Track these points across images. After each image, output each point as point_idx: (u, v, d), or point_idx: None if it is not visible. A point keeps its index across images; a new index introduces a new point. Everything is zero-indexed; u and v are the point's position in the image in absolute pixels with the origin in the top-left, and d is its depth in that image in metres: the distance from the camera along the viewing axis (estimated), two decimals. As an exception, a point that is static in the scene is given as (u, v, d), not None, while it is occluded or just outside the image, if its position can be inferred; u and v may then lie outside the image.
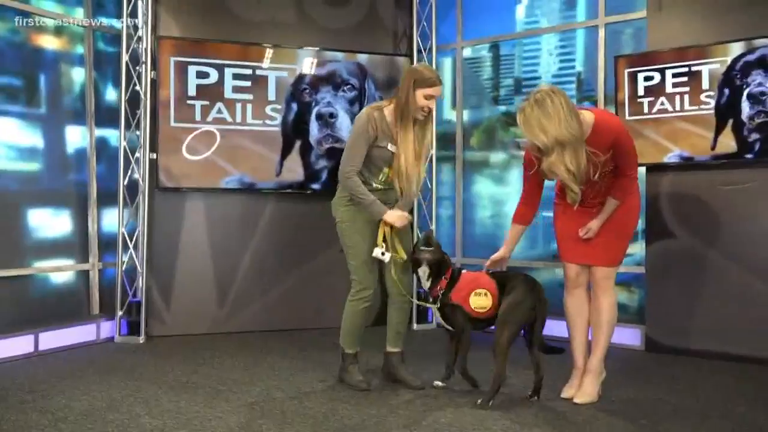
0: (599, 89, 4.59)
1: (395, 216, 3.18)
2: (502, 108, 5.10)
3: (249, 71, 4.65)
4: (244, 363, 3.86)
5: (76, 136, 4.54)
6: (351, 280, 3.31)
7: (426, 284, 3.23)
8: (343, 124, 4.75)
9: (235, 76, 4.60)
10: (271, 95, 4.69)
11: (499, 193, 5.09)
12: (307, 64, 4.73)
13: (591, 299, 3.20)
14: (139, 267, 4.46)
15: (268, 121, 4.68)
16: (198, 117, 4.53)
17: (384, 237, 3.22)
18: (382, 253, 3.19)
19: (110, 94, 4.75)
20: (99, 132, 4.63)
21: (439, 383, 3.35)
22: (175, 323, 4.57)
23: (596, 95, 4.63)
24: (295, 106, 4.72)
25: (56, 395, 3.16)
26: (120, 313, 4.40)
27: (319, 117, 4.71)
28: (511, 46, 5.07)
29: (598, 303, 3.15)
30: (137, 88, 4.46)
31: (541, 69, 4.95)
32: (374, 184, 3.26)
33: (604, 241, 3.09)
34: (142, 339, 4.39)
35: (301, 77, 4.72)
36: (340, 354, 3.40)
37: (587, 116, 2.92)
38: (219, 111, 4.57)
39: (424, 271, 3.21)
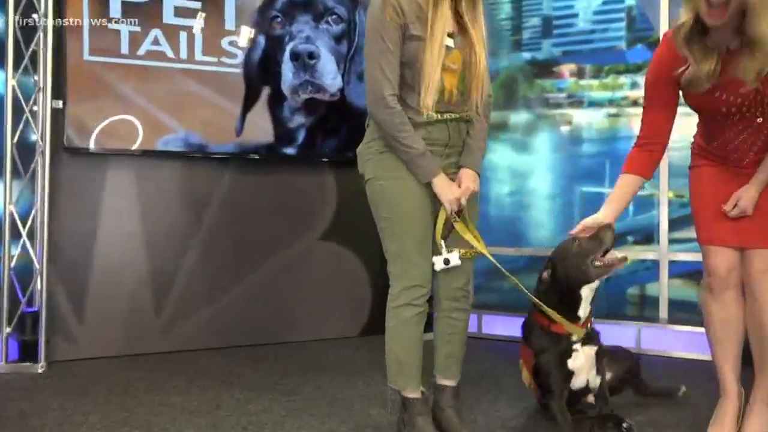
0: (661, 27, 3.66)
1: (450, 193, 2.02)
2: (526, 55, 4.10)
3: (199, -13, 3.46)
4: (212, 402, 2.62)
5: (-62, 75, 3.23)
6: (389, 274, 2.11)
7: (584, 311, 2.09)
8: (326, 67, 3.70)
9: (179, -7, 3.44)
10: (230, 23, 3.54)
11: (521, 163, 4.15)
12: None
13: (746, 302, 2.16)
14: (36, 263, 3.29)
15: (225, 59, 3.56)
16: (125, 49, 3.36)
17: (444, 229, 2.06)
18: (446, 261, 2.02)
19: (-8, 17, 3.41)
20: (-26, 71, 3.33)
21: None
22: (90, 341, 3.45)
23: (655, 35, 3.69)
24: (262, 40, 3.62)
25: None
26: (7, 329, 3.22)
27: (295, 56, 3.65)
28: (538, -23, 4.05)
29: (759, 307, 2.11)
30: (32, 10, 3.22)
31: (577, 4, 3.96)
32: (421, 115, 2.06)
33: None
34: (41, 367, 3.20)
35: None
36: (392, 400, 2.16)
37: None
38: (155, 41, 3.41)
39: (591, 290, 2.07)
